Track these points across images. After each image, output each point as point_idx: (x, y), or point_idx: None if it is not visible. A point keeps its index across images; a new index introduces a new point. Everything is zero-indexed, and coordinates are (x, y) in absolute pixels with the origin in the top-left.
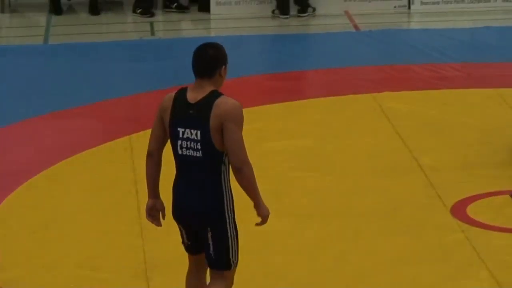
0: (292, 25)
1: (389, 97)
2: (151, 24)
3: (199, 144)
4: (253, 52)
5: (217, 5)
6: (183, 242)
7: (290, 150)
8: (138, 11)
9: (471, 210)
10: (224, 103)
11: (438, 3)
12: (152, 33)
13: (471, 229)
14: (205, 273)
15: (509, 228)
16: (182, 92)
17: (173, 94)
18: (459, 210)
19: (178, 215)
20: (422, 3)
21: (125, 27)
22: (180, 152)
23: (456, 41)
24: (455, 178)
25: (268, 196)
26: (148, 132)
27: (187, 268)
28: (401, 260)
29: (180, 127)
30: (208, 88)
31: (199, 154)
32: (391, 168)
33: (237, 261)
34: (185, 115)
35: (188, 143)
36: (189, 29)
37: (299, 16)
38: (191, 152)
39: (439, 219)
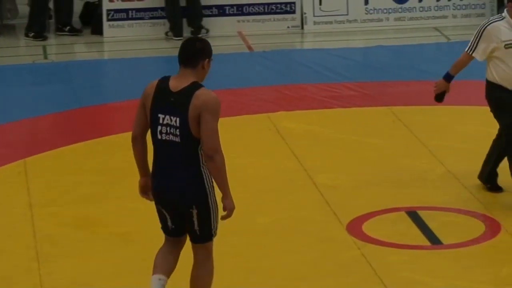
0: None
1: (284, 116)
2: (44, 47)
3: (178, 130)
4: (147, 75)
5: (110, 28)
6: (163, 227)
7: None
8: (31, 35)
9: (367, 227)
10: (203, 94)
11: (331, 22)
12: (45, 57)
13: (367, 246)
14: (179, 251)
15: (404, 244)
16: (164, 80)
17: (155, 81)
18: (355, 227)
19: (160, 200)
20: (315, 23)
21: (17, 51)
22: (159, 137)
23: (350, 61)
24: (351, 196)
25: None
26: (44, 155)
27: (161, 245)
28: (300, 277)
29: (161, 113)
30: (190, 79)
31: (177, 139)
32: (287, 187)
33: (217, 229)
34: (166, 102)
35: (168, 128)
36: (82, 52)
37: None
38: (170, 137)
39: (336, 237)
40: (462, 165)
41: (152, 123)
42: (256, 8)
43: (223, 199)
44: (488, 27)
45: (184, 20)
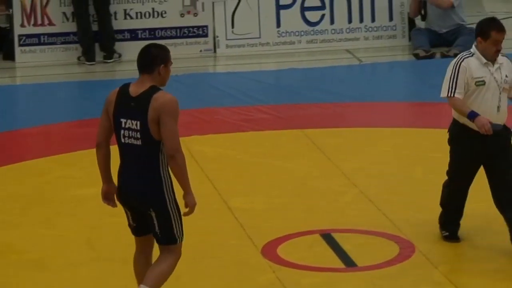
0: (98, 71)
1: (197, 140)
2: None
3: (138, 133)
4: (59, 99)
5: (22, 53)
6: (129, 225)
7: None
8: None
9: (282, 250)
10: (161, 97)
11: (243, 46)
12: None
13: (282, 269)
14: (151, 252)
15: (319, 267)
16: (125, 87)
17: (117, 88)
18: (269, 251)
19: (123, 199)
20: (227, 46)
21: None
22: (122, 140)
23: (263, 84)
24: (265, 219)
25: (81, 243)
26: None
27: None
28: None
29: (123, 118)
30: (148, 84)
31: (139, 142)
32: (201, 211)
33: (183, 235)
34: (126, 107)
35: (130, 132)
36: None
37: (105, 62)
38: (132, 141)
39: (250, 260)
40: (375, 186)
41: (116, 128)
42: (169, 32)
43: (184, 196)
44: (462, 63)
45: (97, 45)
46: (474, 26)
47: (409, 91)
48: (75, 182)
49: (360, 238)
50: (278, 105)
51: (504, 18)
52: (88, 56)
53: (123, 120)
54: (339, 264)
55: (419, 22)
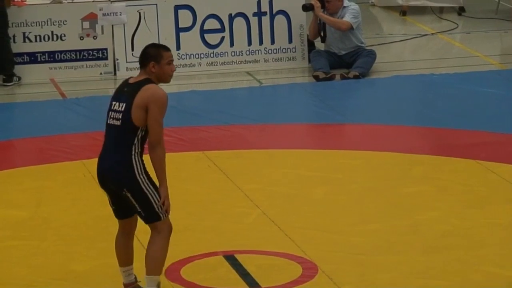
0: None
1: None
2: None
3: (120, 114)
4: None
5: None
6: (111, 207)
7: (4, 219)
8: None
9: (185, 272)
10: (152, 88)
11: None
12: None
13: None
14: (133, 235)
15: None
16: (129, 78)
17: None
18: (173, 273)
19: (100, 179)
20: (128, 68)
21: None
22: (108, 121)
23: None
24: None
25: None
26: None
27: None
28: None
29: (115, 101)
30: (143, 76)
31: (118, 123)
32: (102, 234)
33: (165, 210)
34: (120, 91)
35: (115, 113)
36: None
37: (4, 85)
38: (114, 122)
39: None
40: (277, 207)
41: (108, 110)
42: (68, 55)
43: (159, 187)
44: None
45: None
46: (373, 47)
47: (310, 112)
48: None
49: (263, 259)
50: (179, 127)
51: (402, 40)
52: None
53: (114, 103)
54: (243, 285)
55: (319, 44)
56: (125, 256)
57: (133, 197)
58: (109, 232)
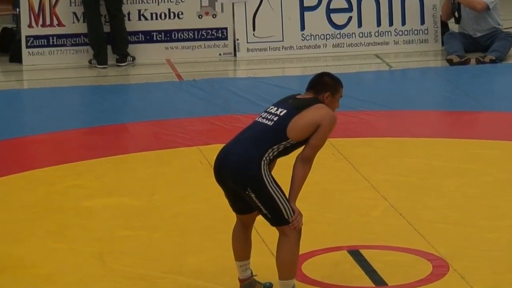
0: (111, 75)
1: (216, 149)
2: None
3: (276, 117)
4: (70, 105)
5: (30, 55)
6: (228, 201)
7: (116, 207)
8: None
9: (306, 268)
10: (327, 109)
11: (265, 49)
12: None
13: (306, 287)
14: (251, 228)
15: (346, 285)
16: (296, 94)
17: None
18: None
19: (217, 174)
20: (248, 50)
21: None
22: (256, 119)
23: (286, 89)
24: None
25: (92, 257)
26: None
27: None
28: None
29: (273, 106)
30: (310, 95)
31: (270, 123)
32: (219, 225)
33: (293, 215)
34: (283, 101)
35: (269, 115)
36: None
37: (118, 66)
38: (264, 121)
39: (275, 279)
40: (405, 199)
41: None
42: (186, 34)
43: (290, 201)
44: None
45: (109, 47)
46: (510, 30)
47: (442, 99)
48: (86, 193)
49: (390, 255)
50: None
51: None
52: (99, 59)
53: (272, 107)
54: (368, 283)
55: (453, 26)
56: (242, 250)
57: (257, 198)
58: (228, 222)
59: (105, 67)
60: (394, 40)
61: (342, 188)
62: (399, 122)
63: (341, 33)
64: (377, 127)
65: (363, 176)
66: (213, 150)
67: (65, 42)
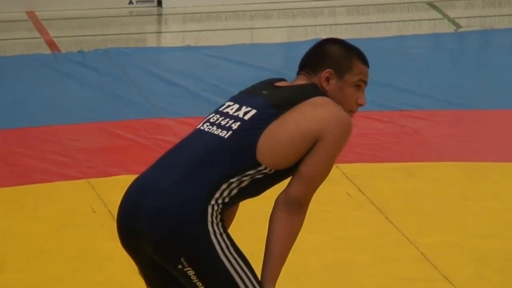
0: None
1: (119, 184)
2: None
3: (237, 124)
4: None
5: None
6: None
7: None
8: None
9: None
10: (332, 104)
11: None
12: None
13: None
14: None
15: None
16: (272, 79)
17: None
18: None
19: (121, 230)
20: None
21: None
22: (202, 126)
23: (255, 69)
24: None
25: None
26: None
27: None
28: None
29: (232, 102)
30: (303, 81)
31: (224, 134)
32: None
33: None
34: (252, 92)
35: (222, 119)
36: None
37: None
38: (215, 130)
39: None
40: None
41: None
42: None
43: (266, 283)
44: None
45: None
46: None
47: None
48: None
49: None
50: None
51: None
52: None
53: (229, 103)
54: None
55: None
56: None
57: (199, 277)
58: None
59: None
60: None
61: (366, 258)
62: (476, 134)
63: None
64: (437, 144)
65: (408, 238)
66: (114, 185)
67: None
